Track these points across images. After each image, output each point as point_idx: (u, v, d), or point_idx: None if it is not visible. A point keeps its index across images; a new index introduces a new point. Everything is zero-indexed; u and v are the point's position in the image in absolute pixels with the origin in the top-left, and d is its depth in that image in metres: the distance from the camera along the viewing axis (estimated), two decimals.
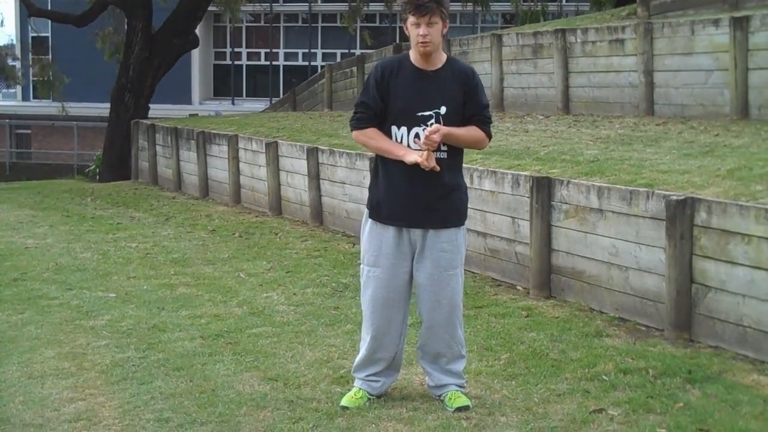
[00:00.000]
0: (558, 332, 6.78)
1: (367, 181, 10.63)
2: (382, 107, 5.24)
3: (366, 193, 10.85)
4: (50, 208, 15.59)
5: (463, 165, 9.10)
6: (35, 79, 44.55)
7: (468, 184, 8.88)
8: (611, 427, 4.95)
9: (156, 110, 24.43)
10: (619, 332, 6.79)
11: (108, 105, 23.31)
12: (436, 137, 5.06)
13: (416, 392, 5.59)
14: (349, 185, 11.29)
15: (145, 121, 19.51)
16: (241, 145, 14.44)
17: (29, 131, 45.27)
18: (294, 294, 8.32)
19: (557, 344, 6.48)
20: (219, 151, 15.18)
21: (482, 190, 8.82)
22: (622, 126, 11.41)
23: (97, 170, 24.64)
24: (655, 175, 7.63)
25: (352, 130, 5.43)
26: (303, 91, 23.26)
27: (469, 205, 8.86)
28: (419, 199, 5.25)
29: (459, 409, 5.24)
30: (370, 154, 10.85)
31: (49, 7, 31.94)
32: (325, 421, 5.16)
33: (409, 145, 5.20)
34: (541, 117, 13.57)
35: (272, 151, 13.17)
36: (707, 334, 6.42)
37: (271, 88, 44.57)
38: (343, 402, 5.39)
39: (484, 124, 5.29)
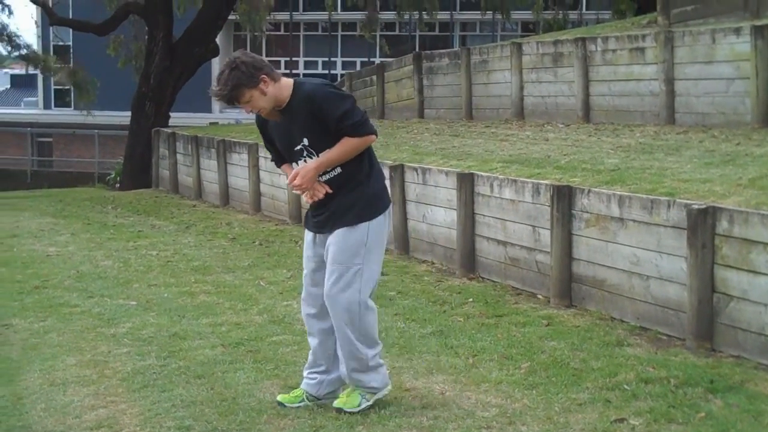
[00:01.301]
0: (579, 341, 6.76)
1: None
2: (275, 148, 5.49)
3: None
4: (72, 216, 15.68)
5: (482, 173, 9.14)
6: (56, 86, 44.84)
7: (488, 193, 8.95)
8: None
9: (176, 119, 24.53)
10: (640, 341, 6.76)
11: (129, 113, 23.43)
12: (298, 182, 5.22)
13: (436, 401, 5.58)
14: None
15: (165, 130, 19.59)
16: (261, 153, 14.47)
17: (50, 139, 45.54)
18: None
19: (578, 353, 6.46)
20: (239, 160, 15.22)
21: (502, 198, 8.81)
22: (642, 135, 11.38)
23: (118, 178, 24.74)
24: (677, 184, 7.61)
25: None
26: None
27: (489, 214, 8.93)
28: (317, 215, 5.43)
29: (337, 410, 5.35)
30: (390, 162, 10.86)
31: (71, 16, 32.12)
32: (346, 429, 5.16)
33: None
34: (561, 125, 13.54)
35: None
36: (729, 344, 6.39)
37: None
38: (279, 398, 5.56)
39: (353, 130, 5.18)
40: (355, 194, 5.30)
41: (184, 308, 8.26)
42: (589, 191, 7.77)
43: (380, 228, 5.36)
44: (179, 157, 18.22)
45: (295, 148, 5.29)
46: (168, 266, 10.38)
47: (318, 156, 5.23)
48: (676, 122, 12.14)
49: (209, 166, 16.53)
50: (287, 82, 5.21)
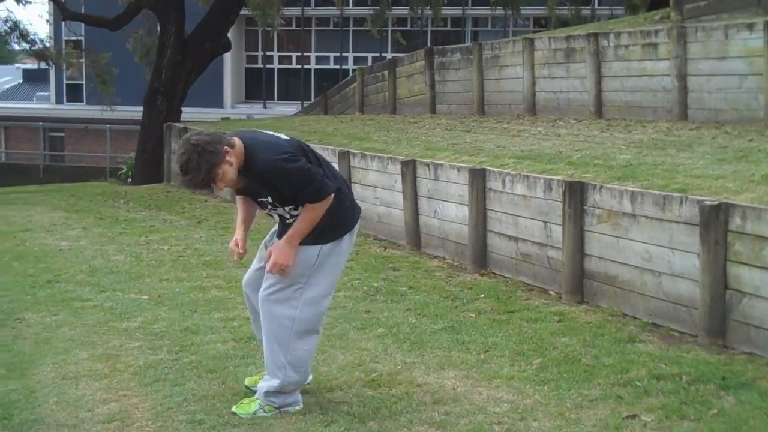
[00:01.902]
0: (591, 337, 6.75)
1: (399, 186, 10.68)
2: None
3: (397, 197, 10.88)
4: (84, 211, 15.71)
5: (494, 169, 9.13)
6: (68, 81, 44.99)
7: (500, 188, 8.94)
8: None
9: (188, 114, 24.57)
10: (652, 338, 6.75)
11: (141, 108, 23.48)
12: (281, 263, 5.22)
13: (448, 396, 5.58)
14: (381, 189, 11.30)
15: (177, 125, 19.62)
16: None
17: (63, 134, 45.66)
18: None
19: (590, 349, 6.45)
20: None
21: (514, 194, 8.80)
22: (655, 130, 11.35)
23: (130, 173, 24.81)
24: (689, 180, 7.59)
25: None
26: (334, 95, 23.29)
27: (501, 210, 8.92)
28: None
29: (233, 413, 5.36)
30: (401, 157, 10.87)
31: (83, 11, 32.18)
32: (357, 424, 5.17)
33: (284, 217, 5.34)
34: (573, 121, 13.52)
35: None
36: (741, 341, 6.37)
37: (302, 92, 44.73)
38: (246, 381, 5.77)
39: (312, 198, 5.15)
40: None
41: (196, 303, 8.27)
42: (601, 187, 7.75)
43: (333, 253, 5.32)
44: None
45: (260, 199, 5.30)
46: (180, 261, 10.40)
47: (282, 208, 5.24)
48: (689, 118, 12.11)
49: None
50: (238, 145, 5.07)
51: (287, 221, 5.32)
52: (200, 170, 4.95)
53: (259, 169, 5.06)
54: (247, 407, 5.40)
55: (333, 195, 5.19)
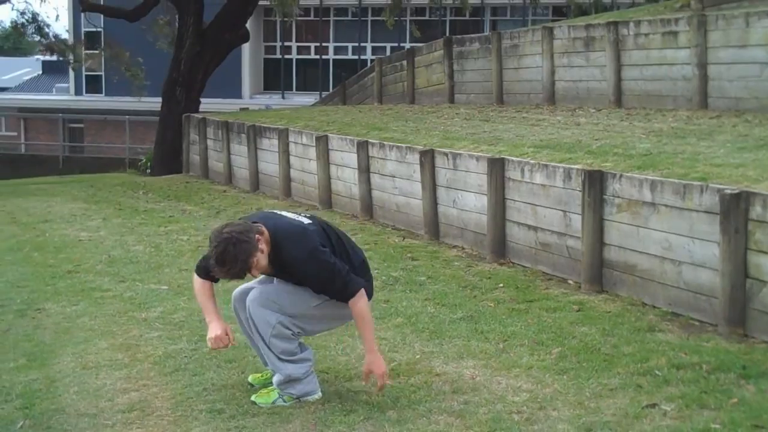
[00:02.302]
0: (610, 327, 6.73)
1: (417, 175, 10.67)
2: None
3: (415, 187, 10.86)
4: (103, 202, 15.77)
5: (513, 158, 9.11)
6: (87, 72, 45.10)
7: (519, 178, 8.93)
8: (664, 423, 4.90)
9: (207, 104, 24.60)
10: (672, 327, 6.72)
11: (159, 99, 23.53)
12: (384, 379, 5.24)
13: (467, 386, 5.58)
14: (399, 179, 11.29)
15: (196, 115, 19.65)
16: (291, 138, 14.49)
17: (82, 125, 45.82)
18: None
19: (609, 339, 6.43)
20: (269, 145, 15.25)
21: (533, 183, 8.78)
22: (675, 119, 11.29)
23: (149, 164, 24.87)
24: (709, 168, 7.55)
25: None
26: (353, 85, 23.28)
27: (520, 199, 8.93)
28: None
29: (252, 402, 5.38)
30: (420, 147, 10.85)
31: (102, 2, 32.27)
32: (377, 413, 5.17)
33: None
34: (592, 110, 13.47)
35: (322, 144, 13.21)
36: (762, 330, 6.33)
37: (320, 82, 44.72)
38: (250, 378, 5.76)
39: (341, 297, 5.22)
40: None
41: (215, 293, 8.26)
42: (621, 176, 7.72)
43: (337, 307, 5.32)
44: (210, 142, 18.28)
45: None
46: (199, 251, 10.39)
47: None
48: (709, 107, 12.04)
49: (240, 151, 16.57)
50: (266, 233, 5.15)
51: None
52: (237, 261, 5.02)
53: (286, 261, 5.15)
54: (267, 396, 5.41)
55: (364, 291, 5.23)
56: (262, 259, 5.11)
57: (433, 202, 10.45)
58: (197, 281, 5.54)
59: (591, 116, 12.78)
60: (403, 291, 8.10)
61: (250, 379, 5.75)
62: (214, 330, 5.40)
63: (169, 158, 21.88)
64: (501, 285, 8.19)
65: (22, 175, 29.03)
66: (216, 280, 5.48)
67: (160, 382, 5.88)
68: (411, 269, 8.95)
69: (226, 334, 5.39)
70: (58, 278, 9.17)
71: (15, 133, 46.80)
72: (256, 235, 5.08)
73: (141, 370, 6.14)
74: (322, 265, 5.12)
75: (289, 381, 5.36)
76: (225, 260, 5.03)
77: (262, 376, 5.70)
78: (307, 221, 5.33)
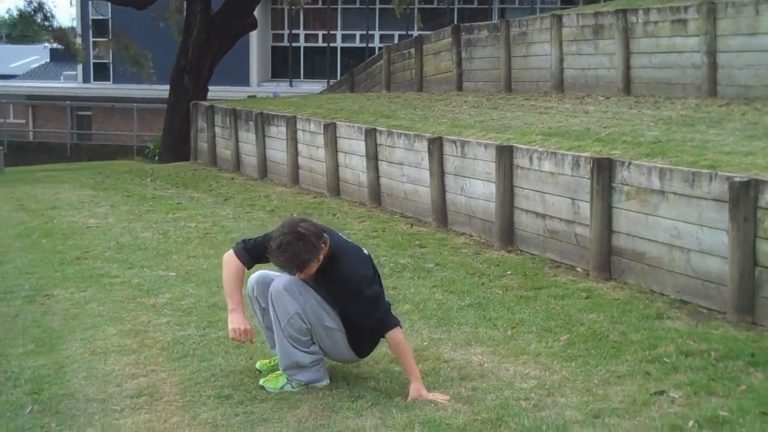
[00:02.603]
0: (618, 314, 6.72)
1: (426, 163, 10.66)
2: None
3: (423, 174, 10.85)
4: (111, 189, 15.79)
5: (521, 146, 9.10)
6: (95, 60, 45.13)
7: (527, 165, 8.91)
8: (672, 410, 4.90)
9: (214, 92, 24.59)
10: (680, 315, 6.71)
11: (167, 87, 23.52)
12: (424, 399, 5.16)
13: (475, 372, 5.58)
14: (407, 166, 11.28)
15: (204, 103, 19.65)
16: (299, 126, 14.49)
17: (90, 113, 45.84)
18: None
19: (617, 326, 6.42)
20: (277, 133, 15.25)
21: (542, 171, 8.76)
22: (684, 107, 11.26)
23: (157, 151, 24.87)
24: (718, 156, 7.52)
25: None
26: (361, 73, 23.25)
27: (528, 187, 8.92)
28: None
29: (260, 387, 5.40)
30: (428, 135, 10.84)
31: None
32: (384, 399, 5.17)
33: None
34: (601, 98, 13.44)
35: (330, 132, 13.20)
36: None
37: (328, 70, 44.66)
38: (258, 365, 5.75)
39: (379, 325, 5.26)
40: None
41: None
42: (630, 164, 7.70)
43: (336, 343, 5.39)
44: (217, 130, 18.28)
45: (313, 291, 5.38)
46: (207, 238, 10.43)
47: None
48: (718, 94, 12.01)
49: (247, 138, 16.57)
50: (327, 245, 5.23)
51: None
52: (298, 258, 5.11)
53: (337, 277, 5.22)
54: (275, 381, 5.42)
55: (400, 329, 5.27)
56: (314, 267, 5.20)
57: (441, 189, 10.44)
58: (232, 262, 5.50)
59: (600, 104, 12.75)
60: (411, 278, 8.10)
61: (258, 365, 5.76)
62: (239, 322, 5.41)
63: (177, 146, 21.89)
64: (509, 272, 8.19)
65: (30, 163, 29.07)
66: (250, 267, 5.49)
67: (169, 367, 5.89)
68: (419, 256, 8.95)
69: (248, 330, 5.41)
70: (67, 264, 9.18)
71: (23, 121, 46.86)
72: (323, 244, 5.17)
73: (149, 356, 6.15)
74: (370, 294, 5.22)
75: (296, 367, 5.37)
76: (286, 250, 5.10)
77: (270, 362, 5.70)
78: (356, 245, 5.48)
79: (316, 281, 5.31)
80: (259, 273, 5.61)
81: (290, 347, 5.34)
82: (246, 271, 5.54)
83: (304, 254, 5.10)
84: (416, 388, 5.19)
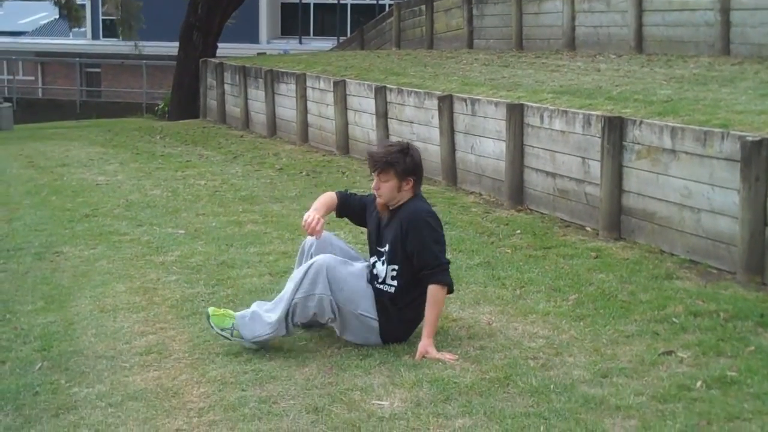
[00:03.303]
0: (627, 274, 6.70)
1: (435, 121, 10.60)
2: (352, 213, 5.79)
3: (433, 133, 10.82)
4: (120, 146, 15.79)
5: (532, 104, 9.04)
6: (104, 17, 44.95)
7: (538, 124, 8.87)
8: (681, 370, 4.89)
9: (224, 49, 24.47)
10: (689, 275, 6.69)
11: (177, 44, 23.42)
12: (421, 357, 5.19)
13: (483, 331, 5.58)
14: (417, 124, 11.23)
15: (213, 60, 19.58)
16: (309, 83, 14.42)
17: (99, 70, 45.72)
18: (361, 232, 8.31)
19: (626, 286, 6.41)
20: (287, 90, 15.19)
21: (552, 129, 8.71)
22: (696, 65, 11.17)
23: (166, 109, 24.82)
24: (731, 115, 7.46)
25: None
26: (371, 30, 23.11)
27: (538, 145, 8.87)
28: None
29: (207, 315, 5.39)
30: (438, 93, 10.78)
31: None
32: (392, 357, 5.18)
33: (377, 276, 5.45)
34: (613, 56, 13.34)
35: (340, 90, 13.14)
36: None
37: (338, 27, 44.38)
38: (210, 311, 5.58)
39: (432, 273, 5.29)
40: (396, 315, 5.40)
41: (232, 237, 8.30)
42: (641, 122, 7.65)
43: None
44: (227, 87, 18.22)
45: (377, 248, 5.50)
46: (216, 196, 10.43)
47: (386, 266, 5.38)
48: (731, 53, 11.90)
49: (257, 96, 16.52)
50: (412, 187, 5.44)
51: (378, 283, 5.41)
52: (389, 156, 5.38)
53: (406, 211, 5.38)
54: (221, 320, 5.33)
55: (448, 285, 5.34)
56: (391, 189, 5.39)
57: (451, 148, 10.39)
58: (328, 193, 5.79)
59: (611, 62, 12.65)
60: None
61: (210, 311, 5.55)
62: (314, 215, 5.50)
63: (186, 103, 21.84)
64: (518, 231, 8.17)
65: (39, 120, 29.06)
66: (341, 202, 5.71)
67: (178, 325, 5.91)
68: None
69: (316, 221, 5.47)
70: (76, 222, 9.20)
71: (32, 78, 46.74)
72: (412, 179, 5.40)
73: (158, 314, 6.17)
74: (435, 229, 5.36)
75: (250, 323, 5.30)
76: (387, 149, 5.47)
77: (223, 313, 5.55)
78: None
79: (388, 223, 5.42)
80: (313, 239, 5.60)
81: (271, 317, 5.28)
82: (335, 203, 5.70)
83: (395, 160, 5.35)
84: (425, 345, 5.19)
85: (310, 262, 5.35)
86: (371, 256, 5.57)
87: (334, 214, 5.77)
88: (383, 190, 5.43)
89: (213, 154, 14.04)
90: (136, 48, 29.22)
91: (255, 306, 5.44)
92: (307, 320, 5.40)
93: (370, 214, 5.66)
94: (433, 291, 5.27)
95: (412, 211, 5.37)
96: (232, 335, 5.33)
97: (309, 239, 5.65)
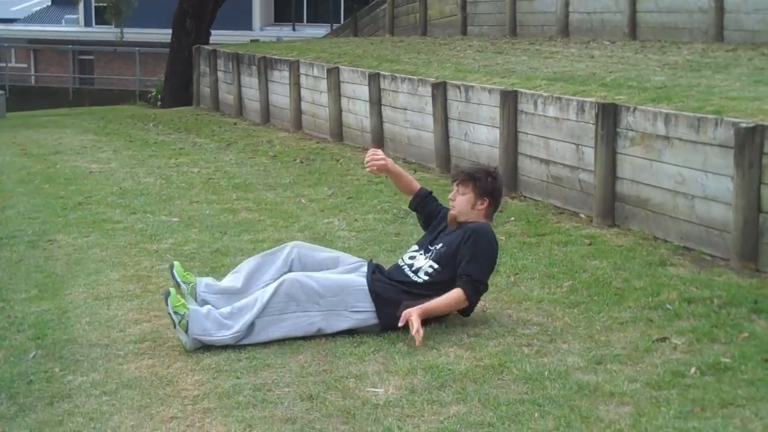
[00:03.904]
0: (621, 261, 6.71)
1: (429, 108, 10.59)
2: (424, 213, 5.93)
3: (427, 120, 10.80)
4: (113, 134, 15.75)
5: (526, 91, 9.03)
6: (97, 3, 44.82)
7: (532, 111, 8.86)
8: (674, 356, 4.90)
9: (217, 36, 24.38)
10: (683, 261, 6.70)
11: (170, 31, 23.34)
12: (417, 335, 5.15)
13: (477, 318, 5.58)
14: (411, 111, 11.21)
15: (206, 47, 19.51)
16: (302, 70, 14.39)
17: (92, 57, 45.57)
18: (355, 220, 8.33)
19: (620, 272, 6.41)
20: (280, 77, 15.15)
21: (546, 116, 8.71)
22: (690, 52, 11.16)
23: (159, 96, 24.76)
24: (724, 102, 7.46)
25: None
26: (364, 17, 23.07)
27: (532, 132, 8.87)
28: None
29: (167, 293, 5.29)
30: (432, 79, 10.76)
31: None
32: (387, 345, 5.18)
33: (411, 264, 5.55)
34: (607, 43, 13.32)
35: (333, 77, 13.12)
36: None
37: (332, 14, 44.28)
38: (176, 267, 5.70)
39: (467, 282, 5.36)
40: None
41: (226, 225, 8.29)
42: (635, 109, 7.65)
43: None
44: (220, 74, 18.17)
45: (428, 245, 5.58)
46: (209, 183, 10.41)
47: (428, 261, 5.47)
48: (725, 39, 11.90)
49: (250, 83, 16.48)
50: (482, 218, 5.58)
51: (406, 268, 5.51)
52: (474, 171, 5.60)
53: (469, 228, 5.49)
54: (181, 307, 5.21)
55: (471, 301, 5.41)
56: (465, 203, 5.53)
57: (444, 135, 10.39)
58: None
59: (605, 49, 12.64)
60: (414, 224, 8.03)
61: (176, 266, 5.59)
62: (386, 159, 5.79)
63: (179, 90, 21.78)
64: (512, 218, 8.17)
65: (32, 107, 28.95)
66: (420, 193, 5.90)
67: (169, 318, 5.88)
68: None
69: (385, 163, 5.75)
70: (69, 210, 9.18)
71: (25, 65, 46.59)
72: (488, 201, 5.56)
73: (152, 301, 6.16)
74: (493, 250, 5.50)
75: (204, 320, 5.21)
76: (474, 167, 5.83)
77: (186, 275, 5.53)
78: None
79: (451, 231, 5.53)
80: (298, 246, 5.67)
81: (228, 324, 5.22)
82: (415, 190, 5.91)
83: (478, 176, 5.53)
84: (413, 311, 5.18)
85: (279, 281, 5.31)
86: (417, 246, 5.65)
87: (409, 199, 5.97)
88: (458, 201, 5.56)
89: (206, 141, 14.02)
90: (120, 35, 29.01)
91: (211, 307, 5.35)
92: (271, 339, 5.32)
93: (438, 223, 5.74)
94: (456, 293, 5.32)
95: (480, 226, 5.49)
96: (178, 323, 5.19)
97: (294, 248, 5.66)
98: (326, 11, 45.12)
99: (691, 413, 4.21)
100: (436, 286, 5.39)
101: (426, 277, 5.44)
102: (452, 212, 5.61)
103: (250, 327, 5.23)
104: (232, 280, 5.66)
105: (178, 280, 5.55)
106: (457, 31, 17.79)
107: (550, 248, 7.15)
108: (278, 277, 5.41)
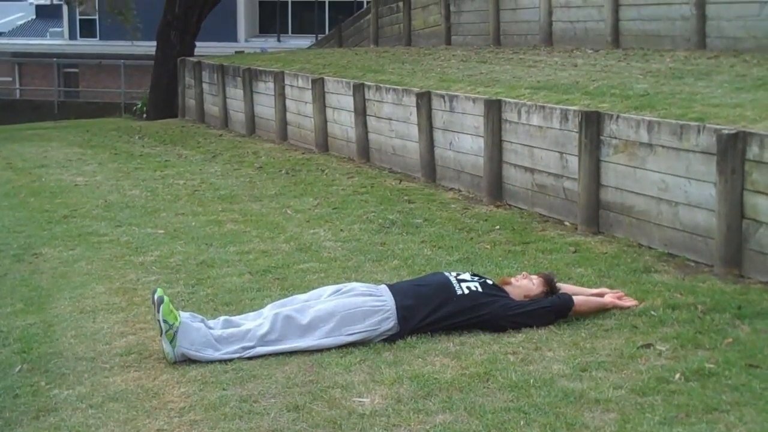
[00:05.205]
0: (606, 268, 6.73)
1: (414, 118, 10.62)
2: None
3: (412, 129, 10.83)
4: (99, 146, 15.73)
5: (510, 100, 9.05)
6: (81, 16, 44.75)
7: (516, 119, 8.90)
8: (659, 362, 4.92)
9: (202, 48, 24.39)
10: (667, 268, 6.73)
11: (154, 43, 23.32)
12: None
13: (463, 327, 5.58)
14: (396, 121, 11.24)
15: (191, 59, 19.52)
16: (287, 81, 14.41)
17: (77, 70, 45.49)
18: (341, 230, 8.34)
19: (605, 280, 6.44)
20: (265, 88, 15.17)
21: (530, 125, 8.74)
22: (672, 60, 11.21)
23: (144, 108, 24.73)
24: (707, 109, 7.50)
25: None
26: (349, 27, 23.10)
27: (516, 141, 8.89)
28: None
29: (158, 299, 5.25)
30: (416, 89, 10.79)
31: None
32: (373, 355, 5.20)
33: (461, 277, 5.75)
34: (590, 51, 13.37)
35: (318, 87, 13.13)
36: (757, 270, 6.34)
37: (316, 25, 44.33)
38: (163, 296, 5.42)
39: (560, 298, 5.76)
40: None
41: (212, 236, 8.29)
42: (618, 117, 7.68)
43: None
44: (205, 86, 18.17)
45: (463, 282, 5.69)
46: (195, 195, 10.41)
47: (478, 281, 5.72)
48: (707, 47, 11.95)
49: (235, 95, 16.49)
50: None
51: (454, 277, 5.68)
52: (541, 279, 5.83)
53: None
54: (172, 316, 5.21)
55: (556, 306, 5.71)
56: (532, 289, 5.76)
57: (429, 144, 10.41)
58: None
59: (588, 57, 12.69)
60: (399, 233, 8.10)
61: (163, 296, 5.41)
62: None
63: (164, 102, 21.77)
64: (497, 227, 8.20)
65: (17, 121, 28.84)
66: None
67: (157, 325, 5.88)
68: (407, 212, 8.95)
69: None
70: (55, 223, 9.16)
71: (9, 78, 46.47)
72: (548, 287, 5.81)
73: (138, 314, 6.16)
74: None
75: (195, 333, 5.25)
76: (549, 275, 5.93)
77: (169, 315, 5.34)
78: None
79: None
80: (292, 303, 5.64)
81: (220, 348, 5.26)
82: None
83: (554, 288, 5.78)
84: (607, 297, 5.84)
85: (275, 312, 5.42)
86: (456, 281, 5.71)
87: None
88: (526, 279, 5.81)
89: (192, 153, 14.01)
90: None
91: (203, 325, 5.36)
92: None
93: None
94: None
95: (519, 303, 5.69)
96: (165, 332, 5.18)
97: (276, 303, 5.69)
98: (311, 22, 45.17)
99: (676, 419, 4.23)
100: (477, 296, 5.58)
101: (473, 287, 5.60)
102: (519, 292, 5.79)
103: (247, 352, 5.27)
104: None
105: (159, 319, 5.23)
106: (441, 41, 17.84)
107: (535, 256, 7.17)
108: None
